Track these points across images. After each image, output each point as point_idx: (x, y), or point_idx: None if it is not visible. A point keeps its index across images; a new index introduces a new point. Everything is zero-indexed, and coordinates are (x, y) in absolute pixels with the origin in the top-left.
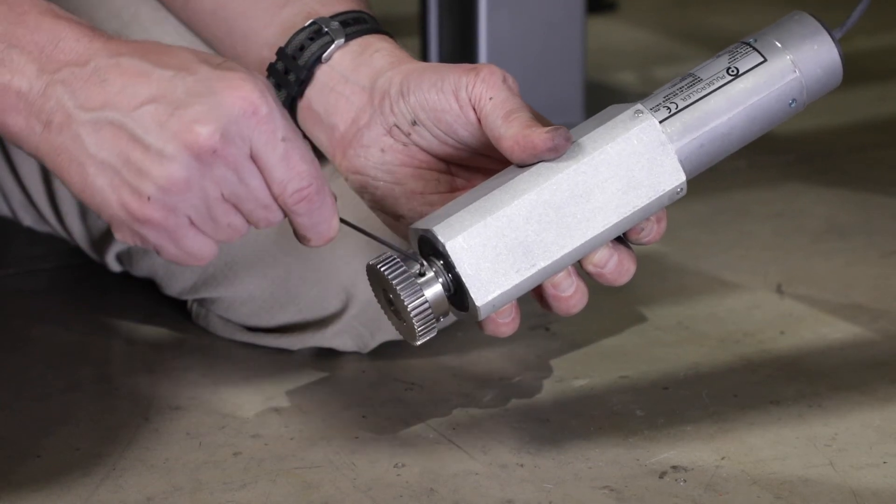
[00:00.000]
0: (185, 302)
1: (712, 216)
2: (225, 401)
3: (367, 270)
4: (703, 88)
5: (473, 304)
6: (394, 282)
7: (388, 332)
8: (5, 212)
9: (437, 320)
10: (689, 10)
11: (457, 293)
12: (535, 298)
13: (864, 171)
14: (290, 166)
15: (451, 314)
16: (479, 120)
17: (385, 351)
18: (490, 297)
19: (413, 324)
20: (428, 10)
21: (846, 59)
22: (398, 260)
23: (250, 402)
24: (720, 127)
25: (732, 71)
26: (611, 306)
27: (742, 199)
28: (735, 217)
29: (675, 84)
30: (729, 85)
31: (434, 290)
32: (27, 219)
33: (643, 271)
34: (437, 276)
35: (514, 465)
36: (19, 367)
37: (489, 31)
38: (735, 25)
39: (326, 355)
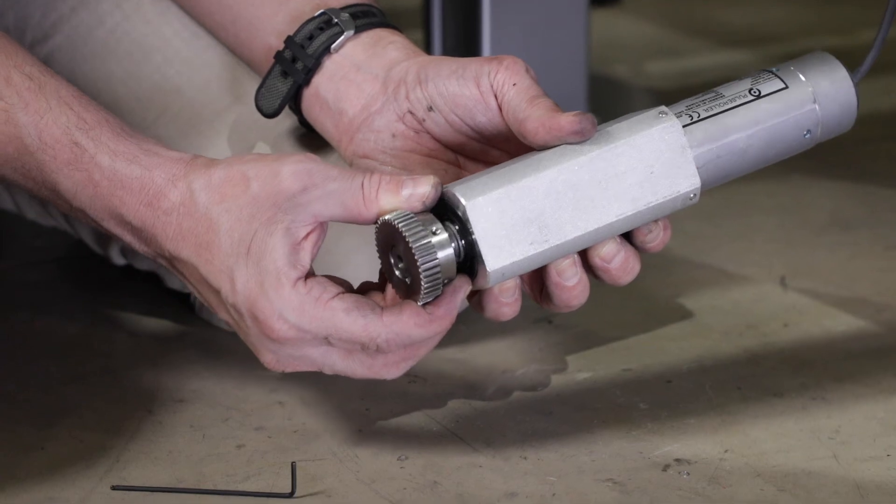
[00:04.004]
0: (187, 295)
1: (716, 209)
2: (228, 393)
3: (379, 227)
4: (725, 103)
5: (484, 268)
6: (408, 238)
7: None
8: (9, 205)
9: (443, 284)
10: (693, 4)
11: (466, 261)
12: (533, 296)
13: (868, 163)
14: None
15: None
16: (499, 107)
17: None
18: (501, 264)
19: (421, 283)
20: (431, 4)
21: (846, 60)
22: (415, 218)
23: (254, 395)
24: (738, 142)
25: (755, 92)
26: (614, 299)
27: (746, 192)
28: (739, 210)
29: (698, 97)
30: (751, 104)
31: (446, 253)
32: (31, 212)
33: (646, 264)
34: (450, 239)
35: (518, 457)
36: (22, 359)
37: (493, 24)
38: (739, 19)
39: None
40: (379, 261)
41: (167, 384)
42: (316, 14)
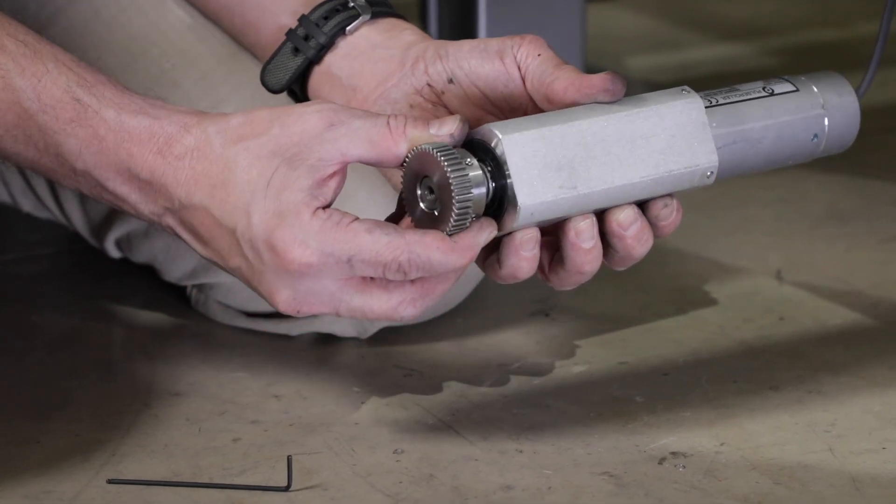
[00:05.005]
0: (184, 288)
1: (713, 201)
2: (224, 387)
3: (412, 157)
4: (741, 95)
5: (515, 205)
6: (448, 168)
7: None
8: (5, 198)
9: (470, 220)
10: None
11: (493, 203)
12: (541, 270)
13: (865, 156)
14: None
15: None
16: (522, 79)
17: (384, 337)
18: (532, 202)
19: (451, 214)
20: None
21: (849, 51)
22: (455, 152)
23: (250, 388)
24: (753, 132)
25: (768, 90)
26: (610, 292)
27: (743, 184)
28: (736, 202)
29: (715, 89)
30: (764, 99)
31: (480, 191)
32: (27, 204)
33: (643, 257)
34: (484, 176)
35: (514, 450)
36: (18, 352)
37: (488, 17)
38: (736, 12)
39: (326, 341)
40: None
41: (163, 377)
42: None
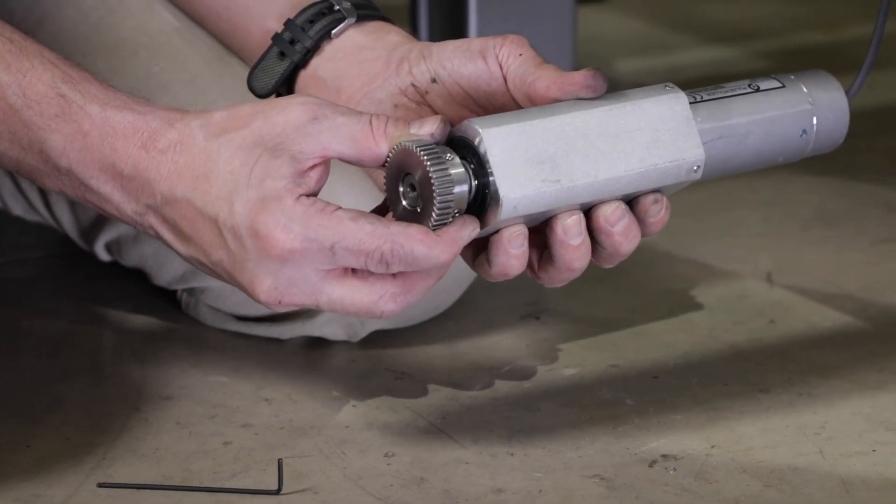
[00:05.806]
0: (174, 292)
1: (702, 204)
2: (215, 390)
3: (394, 154)
4: (726, 92)
5: (497, 199)
6: (429, 166)
7: (379, 321)
8: None
9: (452, 217)
10: (680, 0)
11: (475, 201)
12: (530, 267)
13: (853, 158)
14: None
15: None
16: (503, 77)
17: (375, 340)
18: (515, 195)
19: (434, 211)
20: (418, 0)
21: (842, 51)
22: (436, 149)
23: (240, 392)
24: (740, 127)
25: (753, 87)
26: (600, 295)
27: (730, 187)
28: (725, 205)
29: (699, 88)
30: (750, 95)
31: (461, 188)
32: (17, 208)
33: (633, 260)
34: (466, 173)
35: (505, 453)
36: (8, 356)
37: (479, 20)
38: (726, 15)
39: (317, 344)
40: None
41: (154, 381)
42: (318, 0)
